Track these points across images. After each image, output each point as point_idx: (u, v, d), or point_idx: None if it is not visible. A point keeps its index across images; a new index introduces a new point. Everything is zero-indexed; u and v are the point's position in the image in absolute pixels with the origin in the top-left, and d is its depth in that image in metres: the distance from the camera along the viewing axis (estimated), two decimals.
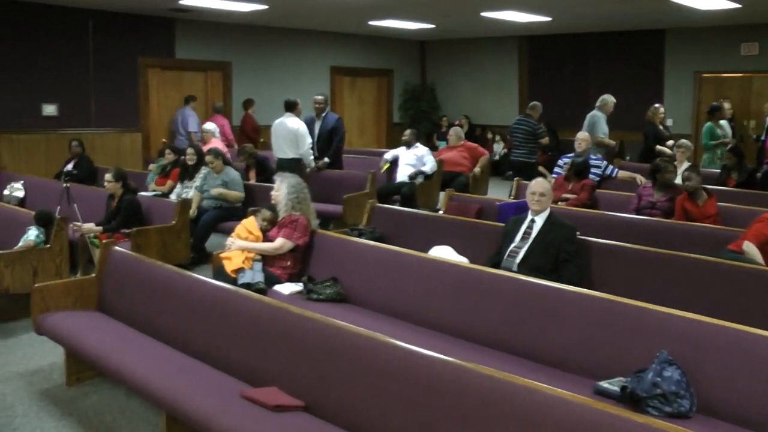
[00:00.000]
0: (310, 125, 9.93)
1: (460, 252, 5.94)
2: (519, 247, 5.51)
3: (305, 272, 5.84)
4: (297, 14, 12.76)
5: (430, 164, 10.22)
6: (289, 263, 5.84)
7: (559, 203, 7.70)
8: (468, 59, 17.49)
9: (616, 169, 9.01)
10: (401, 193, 9.87)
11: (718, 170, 9.41)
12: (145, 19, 12.72)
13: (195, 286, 4.64)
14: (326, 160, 9.97)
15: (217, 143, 10.59)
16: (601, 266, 5.43)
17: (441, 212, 7.78)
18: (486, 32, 15.99)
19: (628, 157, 10.61)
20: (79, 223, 7.25)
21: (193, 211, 8.28)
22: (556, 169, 9.04)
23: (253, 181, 9.41)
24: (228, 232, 6.35)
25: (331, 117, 10.16)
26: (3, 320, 6.43)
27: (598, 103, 10.42)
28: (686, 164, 8.57)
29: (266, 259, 5.82)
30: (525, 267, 5.32)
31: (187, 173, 8.99)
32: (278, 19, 13.57)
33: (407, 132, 10.54)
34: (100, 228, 7.33)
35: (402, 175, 10.19)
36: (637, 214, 7.13)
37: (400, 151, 10.47)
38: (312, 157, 9.55)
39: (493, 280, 4.72)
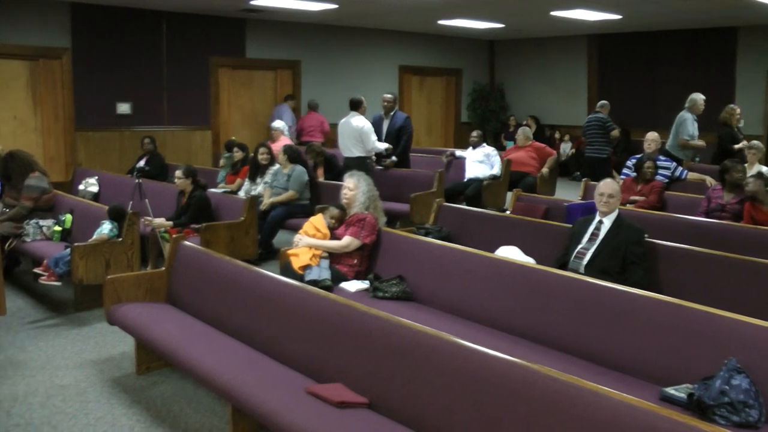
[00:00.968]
0: (378, 124, 9.99)
1: (526, 252, 5.90)
2: (586, 249, 5.45)
3: (372, 270, 5.87)
4: (366, 13, 12.80)
5: (497, 165, 10.23)
6: (355, 261, 5.87)
7: (628, 205, 7.60)
8: (537, 59, 17.33)
9: (686, 171, 8.84)
10: (466, 193, 9.89)
11: None
12: (216, 20, 12.93)
13: (262, 282, 4.69)
14: (394, 158, 10.01)
15: (285, 141, 10.71)
16: (668, 270, 5.33)
17: (508, 212, 7.74)
18: (555, 31, 15.82)
19: (697, 159, 10.37)
20: (150, 218, 7.41)
21: (265, 204, 8.39)
22: (625, 170, 8.91)
23: (321, 179, 9.48)
24: (296, 229, 6.41)
25: (399, 116, 10.19)
26: (77, 310, 6.65)
27: (687, 104, 10.14)
28: (757, 167, 8.38)
29: (333, 256, 5.86)
30: (592, 269, 5.27)
31: (257, 171, 9.10)
32: (347, 18, 13.64)
33: (475, 133, 10.61)
34: (170, 223, 7.47)
35: (471, 173, 10.22)
36: (707, 217, 7.00)
37: (468, 152, 10.51)
38: (383, 147, 9.60)
39: (559, 281, 4.67)
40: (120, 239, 6.68)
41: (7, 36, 10.85)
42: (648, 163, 8.20)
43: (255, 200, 7.95)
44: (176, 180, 7.74)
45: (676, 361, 3.87)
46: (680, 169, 8.84)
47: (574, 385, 2.91)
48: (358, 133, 9.25)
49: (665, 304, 4.08)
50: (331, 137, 12.90)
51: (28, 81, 11.29)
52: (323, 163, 9.90)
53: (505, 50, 17.93)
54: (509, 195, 8.59)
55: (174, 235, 5.96)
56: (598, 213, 5.58)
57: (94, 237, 6.64)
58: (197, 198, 7.62)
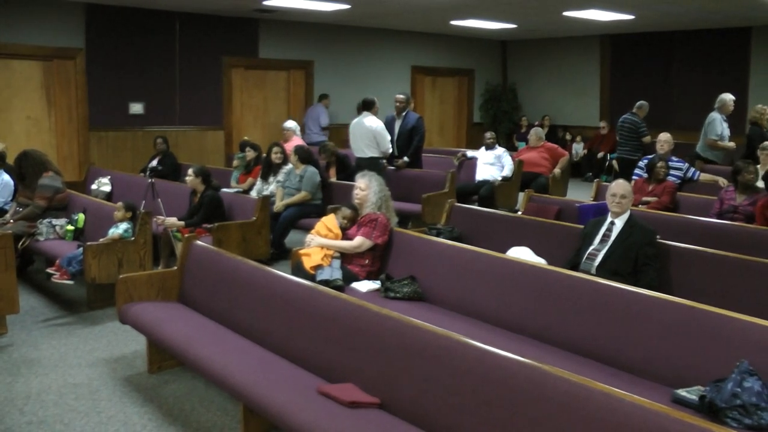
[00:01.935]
0: (390, 124, 9.99)
1: (538, 253, 5.90)
2: (598, 250, 5.44)
3: (383, 270, 5.87)
4: (379, 14, 12.82)
5: (508, 166, 10.23)
6: (367, 261, 5.87)
7: (640, 206, 7.58)
8: (549, 59, 17.29)
9: (698, 172, 8.81)
10: (479, 194, 9.89)
11: None
12: (229, 20, 12.97)
13: (274, 282, 4.70)
14: (405, 159, 10.01)
15: (297, 141, 10.72)
16: (680, 271, 5.31)
17: (520, 213, 7.73)
18: (568, 32, 15.79)
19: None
20: (162, 217, 7.44)
21: (278, 207, 8.42)
22: (637, 171, 8.88)
23: (333, 179, 9.49)
24: (308, 229, 6.42)
25: (411, 116, 10.19)
26: (90, 309, 6.68)
27: (716, 104, 10.08)
28: None
29: (345, 256, 5.87)
30: (604, 270, 5.25)
31: (270, 171, 9.12)
32: (360, 19, 13.65)
33: (490, 134, 10.59)
34: (182, 222, 7.49)
35: (481, 175, 10.22)
36: (719, 218, 6.97)
37: (480, 152, 10.51)
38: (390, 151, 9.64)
39: (571, 282, 4.66)
40: (132, 238, 6.71)
41: (21, 37, 10.92)
42: (660, 164, 8.17)
43: (267, 200, 7.97)
44: (187, 179, 7.77)
45: (688, 363, 3.86)
46: (692, 169, 8.81)
47: (585, 386, 2.91)
48: (372, 133, 9.24)
49: (677, 306, 4.06)
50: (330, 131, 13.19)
51: (42, 81, 11.37)
52: (336, 163, 9.91)
53: (517, 50, 17.90)
54: (521, 195, 8.58)
55: (186, 235, 5.99)
56: (610, 214, 5.57)
57: (108, 236, 6.67)
58: (209, 198, 7.64)
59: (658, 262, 5.31)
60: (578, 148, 15.98)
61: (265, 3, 11.30)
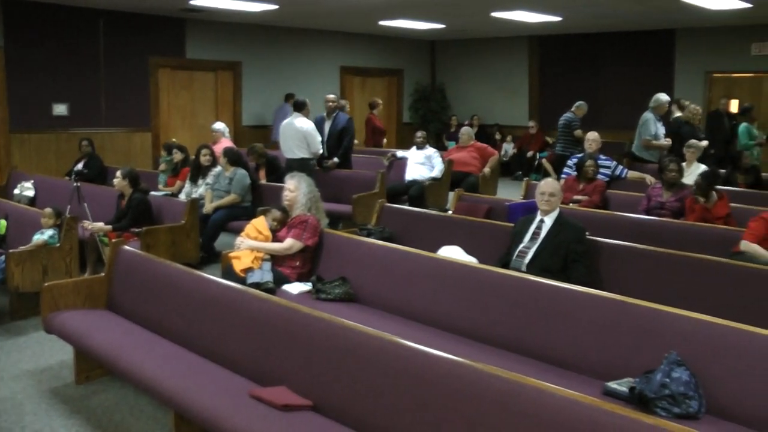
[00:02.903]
0: (320, 125, 9.96)
1: (469, 252, 5.93)
2: (528, 248, 5.50)
3: (314, 272, 5.84)
4: (307, 14, 12.77)
5: (438, 167, 10.26)
6: (298, 263, 5.84)
7: (571, 205, 7.68)
8: (478, 59, 17.47)
9: (626, 170, 9.00)
10: (410, 194, 9.91)
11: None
12: (156, 19, 12.75)
13: (204, 286, 4.64)
14: (335, 159, 9.99)
15: (227, 143, 10.60)
16: (610, 267, 5.41)
17: (450, 212, 7.77)
18: (496, 32, 15.96)
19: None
20: (89, 222, 7.27)
21: (207, 209, 8.32)
22: (566, 170, 9.01)
23: (263, 181, 9.42)
24: (238, 232, 6.34)
25: (341, 117, 10.18)
26: (13, 318, 6.48)
27: (651, 104, 10.27)
28: (696, 165, 8.54)
29: (275, 258, 5.82)
30: (534, 267, 5.31)
31: (199, 173, 9.00)
32: (288, 19, 13.58)
33: (420, 134, 10.61)
34: (109, 227, 7.32)
35: (411, 174, 10.25)
36: (647, 215, 7.12)
37: (411, 152, 10.53)
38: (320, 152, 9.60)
39: (502, 280, 4.71)
40: (58, 245, 6.54)
41: None
42: (589, 162, 8.30)
43: (196, 203, 7.87)
44: (114, 182, 7.61)
45: (619, 356, 3.93)
46: (620, 167, 8.98)
47: (517, 382, 2.93)
48: (303, 134, 9.21)
49: (607, 301, 4.13)
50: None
51: None
52: (265, 165, 9.82)
53: (446, 50, 18.04)
54: (451, 195, 8.63)
55: (113, 240, 5.86)
56: (539, 212, 5.63)
57: (32, 242, 6.49)
58: (137, 200, 7.49)
59: (588, 258, 5.39)
60: (508, 148, 16.17)
61: (192, 2, 11.14)
